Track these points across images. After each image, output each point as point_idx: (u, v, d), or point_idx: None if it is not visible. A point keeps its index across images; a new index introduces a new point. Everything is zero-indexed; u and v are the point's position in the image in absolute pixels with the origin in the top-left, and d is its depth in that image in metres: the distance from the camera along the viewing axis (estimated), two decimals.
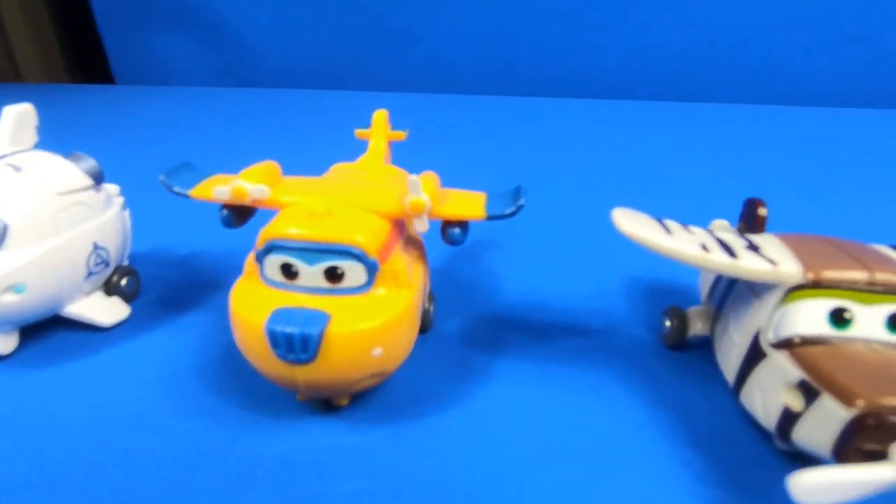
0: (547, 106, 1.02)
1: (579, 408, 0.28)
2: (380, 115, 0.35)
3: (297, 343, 0.21)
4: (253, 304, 0.23)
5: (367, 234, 0.24)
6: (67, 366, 0.30)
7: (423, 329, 0.33)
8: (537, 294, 0.38)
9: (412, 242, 0.29)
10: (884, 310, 0.21)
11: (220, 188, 0.25)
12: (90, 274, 0.31)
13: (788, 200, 0.55)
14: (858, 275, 0.22)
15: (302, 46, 1.21)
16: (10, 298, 0.27)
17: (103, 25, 1.30)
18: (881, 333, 0.21)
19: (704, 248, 0.23)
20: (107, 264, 0.33)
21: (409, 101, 1.08)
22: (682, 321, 0.31)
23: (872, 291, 0.21)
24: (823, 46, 1.02)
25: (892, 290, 0.21)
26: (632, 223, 0.24)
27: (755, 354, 0.24)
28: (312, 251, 0.23)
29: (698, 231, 0.26)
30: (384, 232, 0.24)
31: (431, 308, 0.33)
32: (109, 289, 0.34)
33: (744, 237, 0.26)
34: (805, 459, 0.24)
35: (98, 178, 0.32)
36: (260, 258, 0.24)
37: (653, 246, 0.23)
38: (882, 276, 0.21)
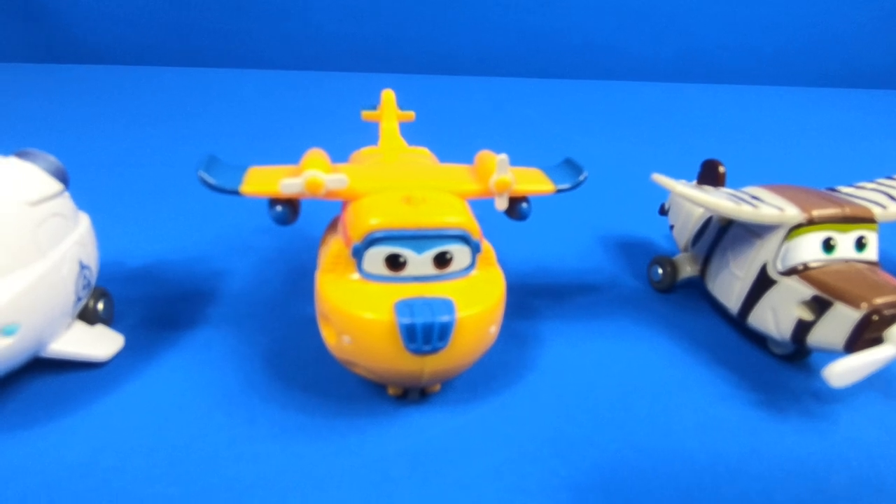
0: (496, 84, 1.04)
1: (621, 350, 0.32)
2: (388, 95, 0.34)
3: (436, 333, 0.21)
4: (369, 301, 0.22)
5: (466, 216, 0.23)
6: (71, 416, 0.24)
7: None
8: (536, 261, 0.41)
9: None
10: (853, 235, 0.29)
11: (289, 181, 0.22)
12: (78, 300, 0.25)
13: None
14: (836, 211, 0.29)
15: (134, 16, 1.03)
16: (2, 343, 0.21)
17: None
18: (852, 253, 0.29)
19: (734, 200, 0.28)
20: (89, 286, 0.27)
21: (252, 78, 1.01)
22: (673, 267, 0.37)
23: (845, 222, 0.28)
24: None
25: (857, 220, 0.29)
26: (679, 185, 0.28)
27: (763, 283, 0.30)
28: (421, 238, 0.22)
29: (711, 189, 0.31)
30: (470, 213, 0.25)
31: None
32: (87, 316, 0.28)
33: (742, 191, 0.32)
34: (796, 359, 0.32)
35: (65, 180, 0.25)
36: (359, 252, 0.22)
37: (702, 202, 0.28)
38: (850, 210, 0.29)
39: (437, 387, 0.26)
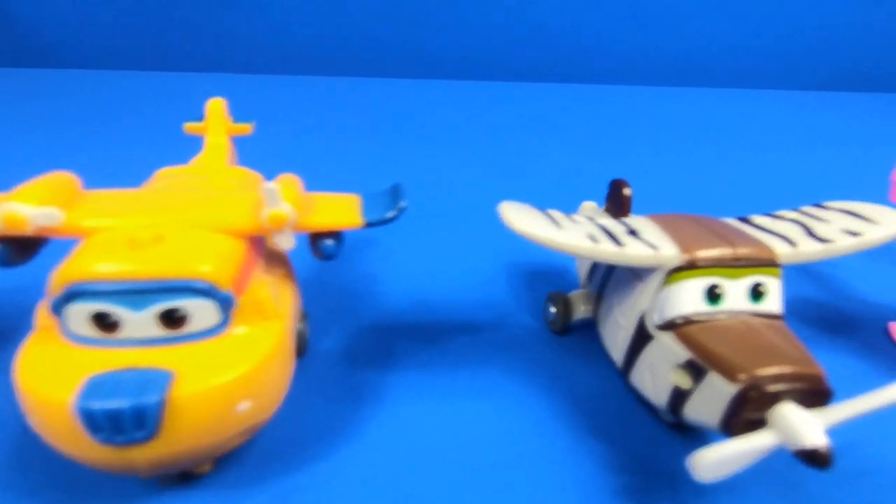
0: (395, 87, 1.00)
1: (481, 412, 0.26)
2: (215, 105, 0.29)
3: (129, 420, 0.16)
4: (53, 374, 0.17)
5: (215, 260, 0.18)
6: None
7: (298, 353, 0.29)
8: (421, 293, 0.36)
9: (275, 258, 0.24)
10: (745, 282, 0.23)
11: None
12: None
13: (649, 178, 0.60)
14: (724, 251, 0.23)
15: (91, 19, 1.00)
16: None
17: None
18: (745, 304, 0.23)
19: (593, 238, 0.23)
20: None
21: (230, 83, 0.97)
22: (566, 306, 0.31)
23: (736, 266, 0.23)
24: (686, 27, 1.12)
25: (752, 264, 0.23)
26: (523, 219, 0.22)
27: (642, 337, 0.24)
28: (137, 292, 0.17)
29: (581, 220, 0.25)
30: (238, 255, 0.20)
31: (305, 328, 0.28)
32: None
33: (622, 222, 0.26)
34: (690, 430, 0.26)
35: None
36: (58, 308, 0.17)
37: (546, 242, 0.22)
38: (743, 251, 0.23)
39: (207, 466, 0.21)
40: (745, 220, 0.27)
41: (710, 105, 0.99)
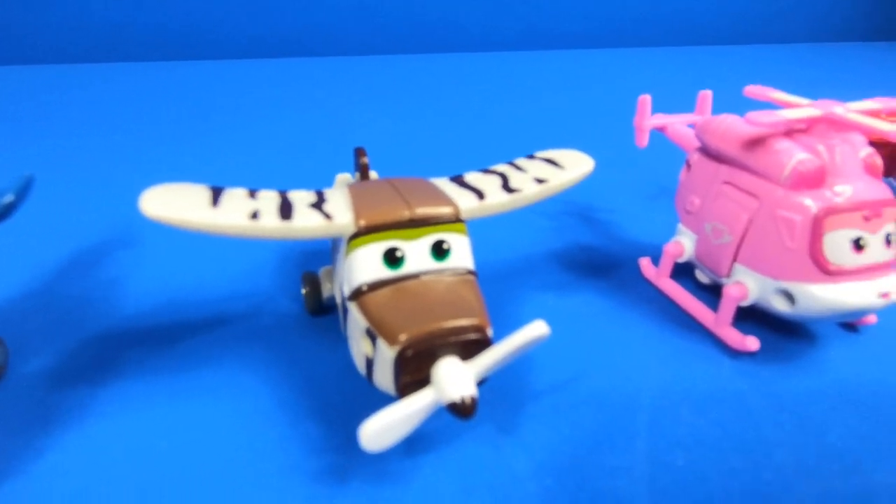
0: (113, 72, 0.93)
1: (195, 416, 0.24)
2: None
3: None
4: None
5: None
6: None
7: None
8: (168, 293, 0.33)
9: None
10: (426, 241, 0.22)
11: None
12: None
13: (401, 142, 0.61)
14: (401, 213, 0.22)
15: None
16: None
17: None
18: (428, 263, 0.22)
19: (255, 215, 0.21)
20: None
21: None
22: (314, 286, 0.30)
23: (414, 226, 0.22)
24: None
25: (429, 222, 0.22)
26: (162, 204, 0.20)
27: (345, 309, 0.23)
28: None
29: (267, 195, 0.24)
30: None
31: None
32: None
33: (318, 193, 0.25)
34: None
35: None
36: None
37: (188, 225, 0.20)
38: (420, 211, 0.22)
39: None
40: (456, 178, 0.27)
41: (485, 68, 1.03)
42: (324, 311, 0.31)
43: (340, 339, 0.29)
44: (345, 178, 0.33)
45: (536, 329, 0.20)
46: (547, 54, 1.18)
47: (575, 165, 0.27)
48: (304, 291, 0.30)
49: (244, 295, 0.33)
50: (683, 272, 0.35)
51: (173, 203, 0.20)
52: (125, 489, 0.21)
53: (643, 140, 0.38)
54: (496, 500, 0.21)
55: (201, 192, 0.22)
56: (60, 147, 0.58)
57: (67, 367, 0.27)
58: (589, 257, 0.38)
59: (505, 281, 0.35)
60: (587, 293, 0.34)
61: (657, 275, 0.35)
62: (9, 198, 0.19)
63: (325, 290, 0.30)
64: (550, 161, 0.27)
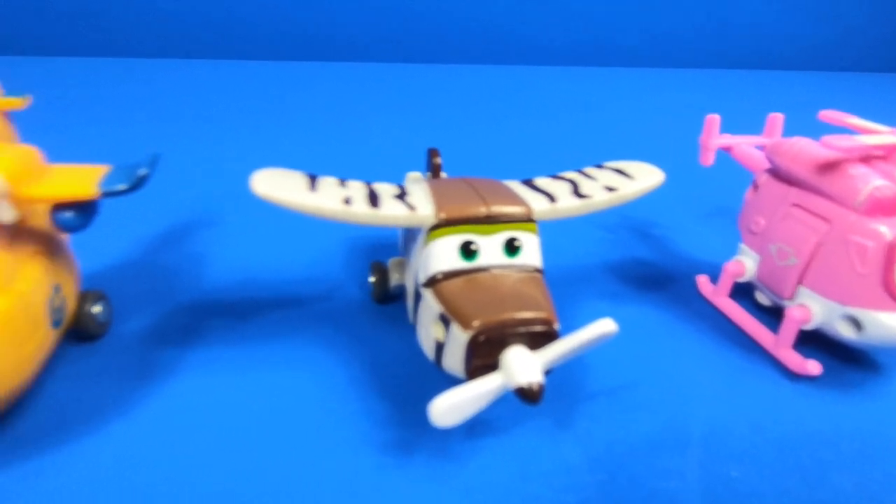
0: (232, 70, 0.98)
1: (275, 384, 0.26)
2: None
3: None
4: None
5: None
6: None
7: (91, 336, 0.28)
8: (248, 272, 0.36)
9: (28, 236, 0.23)
10: (500, 237, 0.24)
11: None
12: None
13: (472, 146, 0.63)
14: (479, 210, 0.24)
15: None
16: None
17: None
18: (500, 258, 0.24)
19: (348, 201, 0.23)
20: None
21: (86, 68, 0.92)
22: (382, 274, 0.32)
23: (490, 222, 0.24)
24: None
25: (504, 220, 0.24)
26: (270, 184, 0.22)
27: (418, 295, 0.25)
28: None
29: (355, 185, 0.26)
30: None
31: (97, 310, 0.27)
32: None
33: (400, 186, 0.27)
34: None
35: None
36: None
37: (291, 205, 0.22)
38: (496, 209, 0.24)
39: None
40: (527, 181, 0.29)
41: (564, 81, 1.03)
42: (388, 300, 0.33)
43: (404, 326, 0.30)
44: (415, 176, 0.35)
45: (604, 326, 0.21)
46: (614, 71, 1.18)
47: (645, 177, 0.27)
48: (371, 280, 0.32)
49: (315, 279, 0.35)
50: (742, 292, 0.35)
51: (279, 185, 0.23)
52: (208, 440, 0.23)
53: (708, 159, 0.39)
54: (552, 487, 0.22)
55: (301, 178, 0.24)
56: (159, 134, 0.63)
57: (160, 329, 0.30)
58: (644, 270, 0.39)
59: (561, 286, 0.36)
60: (642, 305, 0.34)
61: (715, 292, 0.35)
62: (143, 170, 0.22)
63: (393, 280, 0.32)
64: (620, 171, 0.28)
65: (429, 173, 0.34)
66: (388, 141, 0.64)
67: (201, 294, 0.33)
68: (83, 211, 0.22)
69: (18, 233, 0.23)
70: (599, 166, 0.30)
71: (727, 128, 0.40)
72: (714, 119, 0.38)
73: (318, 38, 1.08)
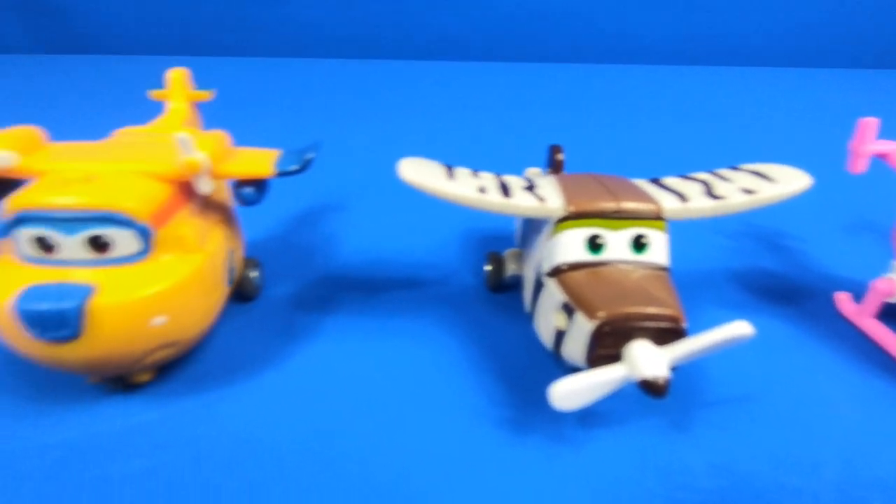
0: (373, 68, 1.03)
1: (400, 354, 0.29)
2: (177, 74, 0.33)
3: (52, 319, 0.20)
4: (3, 284, 0.21)
5: (136, 197, 0.22)
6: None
7: (248, 297, 0.32)
8: (375, 253, 0.39)
9: (214, 207, 0.28)
10: (627, 233, 0.24)
11: None
12: None
13: (593, 145, 0.62)
14: (608, 205, 0.24)
15: (134, 6, 1.08)
16: None
17: None
18: (627, 254, 0.24)
19: (482, 190, 0.25)
20: None
21: (258, 67, 1.03)
22: (498, 264, 0.33)
23: (619, 218, 0.24)
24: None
25: (633, 216, 0.24)
26: (414, 171, 0.25)
27: (538, 285, 0.26)
28: (69, 220, 0.21)
29: (486, 176, 0.27)
30: (161, 195, 0.23)
31: (254, 274, 0.32)
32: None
33: (527, 179, 0.28)
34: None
35: None
36: (6, 232, 0.21)
37: (431, 191, 0.24)
38: (626, 205, 0.24)
39: (146, 376, 0.25)
40: (655, 180, 0.28)
41: (691, 82, 0.96)
42: (502, 289, 0.34)
43: (517, 314, 0.32)
44: (535, 171, 0.36)
45: (739, 328, 0.20)
46: (750, 71, 1.09)
47: (788, 180, 0.26)
48: (487, 269, 0.34)
49: (433, 265, 0.38)
50: (890, 315, 0.32)
51: (422, 172, 0.25)
52: (340, 397, 0.26)
53: (860, 166, 0.35)
54: (668, 484, 0.22)
55: (439, 167, 0.26)
56: (299, 126, 0.70)
57: (301, 297, 0.33)
58: (773, 282, 0.36)
59: (681, 290, 0.35)
60: (770, 317, 0.32)
61: (858, 312, 0.32)
62: (310, 154, 0.26)
63: (508, 270, 0.33)
64: (759, 174, 0.27)
65: (549, 169, 0.35)
66: (508, 137, 0.66)
67: (335, 269, 0.37)
68: (260, 187, 0.26)
69: (207, 204, 0.27)
70: (735, 168, 0.29)
71: (886, 133, 0.36)
72: (869, 123, 0.34)
73: (446, 39, 1.13)
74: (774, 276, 0.37)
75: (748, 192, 0.25)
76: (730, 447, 0.23)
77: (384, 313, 0.32)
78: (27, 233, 0.21)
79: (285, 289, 0.34)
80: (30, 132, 0.25)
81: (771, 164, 0.28)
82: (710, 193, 0.26)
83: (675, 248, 0.39)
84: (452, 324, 0.31)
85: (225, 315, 0.30)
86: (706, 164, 0.31)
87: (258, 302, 0.33)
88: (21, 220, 0.21)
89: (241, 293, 0.32)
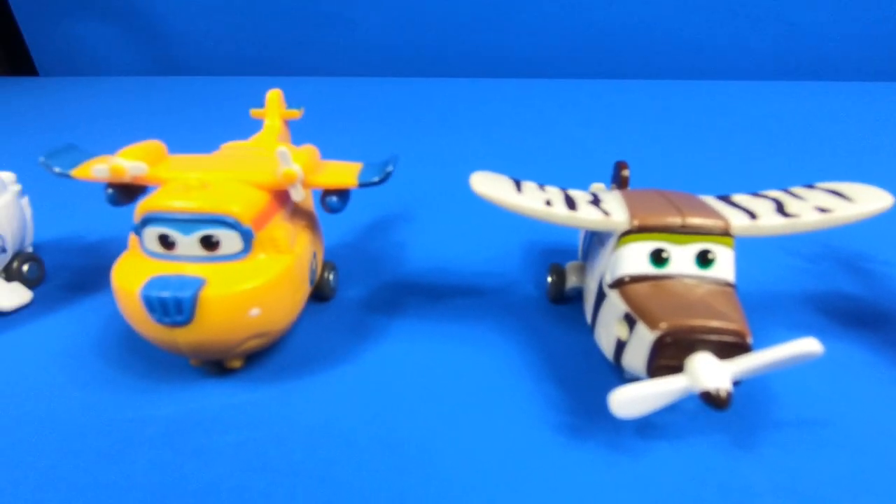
0: (445, 86, 1.06)
1: (463, 358, 0.30)
2: (273, 95, 0.37)
3: (171, 306, 0.23)
4: (132, 275, 0.24)
5: (242, 203, 0.25)
6: None
7: (325, 297, 0.35)
8: (440, 261, 0.41)
9: (301, 213, 0.31)
10: (693, 248, 0.25)
11: (99, 167, 0.26)
12: None
13: (658, 162, 0.62)
14: (673, 220, 0.25)
15: (230, 32, 1.19)
16: None
17: (21, 15, 1.24)
18: (691, 269, 0.24)
19: (549, 203, 0.26)
20: (3, 250, 0.33)
21: (339, 85, 1.09)
22: (560, 276, 0.34)
23: (684, 233, 0.25)
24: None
25: (699, 232, 0.25)
26: (485, 184, 0.26)
27: (600, 296, 0.27)
28: (187, 221, 0.25)
29: (552, 190, 0.29)
30: (261, 202, 0.26)
31: (331, 277, 0.35)
32: (10, 275, 0.34)
33: (591, 193, 0.29)
34: None
35: None
36: (138, 231, 0.25)
37: (501, 203, 0.26)
38: (692, 220, 0.25)
39: (238, 363, 0.28)
40: (723, 197, 0.28)
41: (737, 98, 0.92)
42: (563, 301, 0.35)
43: (578, 326, 0.32)
44: (599, 186, 0.37)
45: (808, 345, 0.20)
46: (828, 85, 1.04)
47: (868, 200, 0.25)
48: (550, 280, 0.35)
49: (496, 274, 0.39)
50: None
51: (492, 185, 0.26)
52: (407, 394, 0.28)
53: None
54: (729, 500, 0.22)
55: (508, 180, 0.28)
56: (369, 141, 0.74)
57: (372, 300, 0.36)
58: (850, 306, 0.35)
59: (747, 311, 0.34)
60: (844, 341, 0.31)
61: None
62: (390, 167, 0.28)
63: (570, 282, 0.34)
64: (835, 192, 0.27)
65: (613, 185, 0.36)
66: (574, 153, 0.67)
67: (402, 275, 0.39)
68: (344, 197, 0.28)
69: (296, 211, 0.30)
70: (810, 186, 0.28)
71: None
72: None
73: (516, 58, 1.16)
74: (852, 300, 0.35)
75: (822, 210, 0.25)
76: (795, 469, 0.23)
77: (448, 318, 0.34)
78: (153, 231, 0.25)
79: (357, 291, 0.37)
80: (156, 146, 0.29)
81: (850, 182, 0.28)
82: (782, 211, 0.26)
83: (747, 268, 0.38)
84: (514, 331, 0.33)
85: (304, 313, 0.33)
86: (779, 183, 0.31)
87: (333, 302, 0.35)
88: (148, 220, 0.25)
89: (318, 294, 0.34)
